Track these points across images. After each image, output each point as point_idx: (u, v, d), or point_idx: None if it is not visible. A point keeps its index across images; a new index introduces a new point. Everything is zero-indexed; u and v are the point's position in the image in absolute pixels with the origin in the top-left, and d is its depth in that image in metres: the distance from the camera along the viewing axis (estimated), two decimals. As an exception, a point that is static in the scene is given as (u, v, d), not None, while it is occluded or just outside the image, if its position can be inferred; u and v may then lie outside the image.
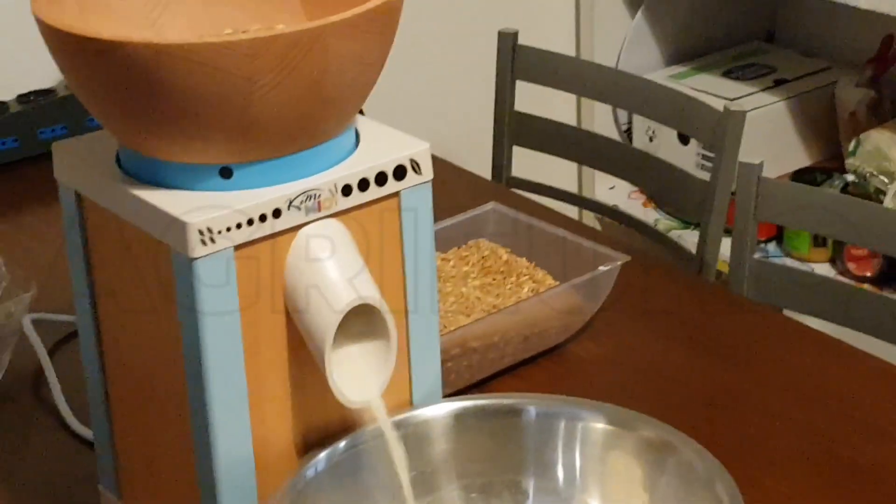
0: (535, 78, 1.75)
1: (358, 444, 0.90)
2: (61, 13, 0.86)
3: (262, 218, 0.85)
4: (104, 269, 0.93)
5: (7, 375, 1.18)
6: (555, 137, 1.77)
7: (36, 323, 1.24)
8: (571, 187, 2.14)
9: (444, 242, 1.28)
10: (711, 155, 1.57)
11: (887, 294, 1.90)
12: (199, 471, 0.89)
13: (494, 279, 1.23)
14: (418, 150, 0.90)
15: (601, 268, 1.19)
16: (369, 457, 0.90)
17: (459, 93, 2.07)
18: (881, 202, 1.88)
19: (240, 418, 0.87)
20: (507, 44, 1.76)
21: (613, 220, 1.87)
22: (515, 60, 1.75)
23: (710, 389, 1.16)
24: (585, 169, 2.17)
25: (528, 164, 1.81)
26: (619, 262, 1.20)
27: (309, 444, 0.91)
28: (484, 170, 2.06)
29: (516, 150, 1.79)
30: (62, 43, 0.83)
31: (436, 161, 1.55)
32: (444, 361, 1.11)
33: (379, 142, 0.91)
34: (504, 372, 1.17)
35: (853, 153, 1.95)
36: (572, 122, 2.16)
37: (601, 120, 2.18)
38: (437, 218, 1.29)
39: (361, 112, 0.95)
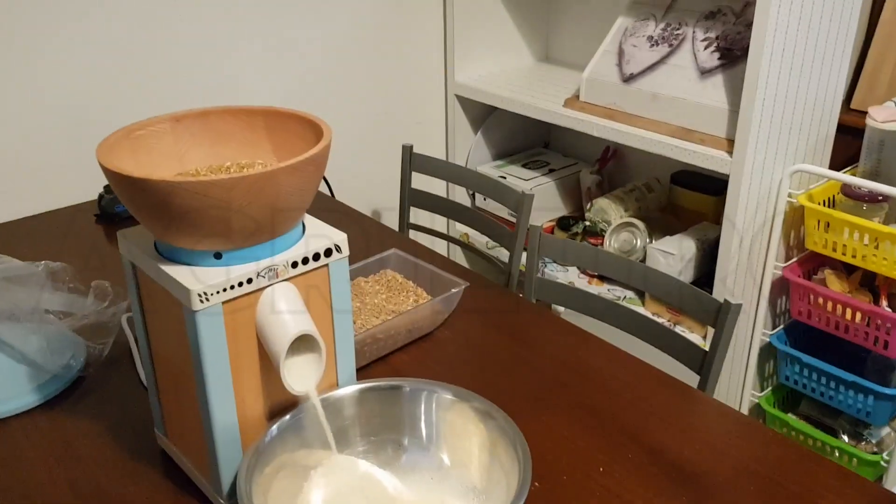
0: (421, 170, 1.58)
1: (299, 415, 0.73)
2: (118, 156, 0.68)
3: (240, 284, 0.67)
4: (149, 308, 0.75)
5: (112, 350, 0.99)
6: (434, 203, 1.61)
7: (129, 320, 1.05)
8: (442, 229, 1.97)
9: (365, 271, 1.11)
10: (515, 215, 1.41)
11: (601, 294, 1.77)
12: (205, 431, 0.71)
13: (393, 294, 1.07)
14: (340, 238, 0.74)
15: (453, 290, 1.03)
16: (307, 421, 0.73)
17: (384, 177, 1.90)
18: (603, 236, 1.75)
19: (228, 401, 0.70)
20: (407, 151, 1.59)
21: (465, 247, 1.70)
22: (412, 160, 1.59)
23: (510, 358, 1.01)
24: (451, 221, 2.00)
25: (419, 216, 1.65)
26: (462, 287, 1.04)
27: (273, 414, 0.74)
28: (394, 219, 1.92)
29: (413, 209, 1.62)
30: (112, 177, 0.65)
31: (366, 219, 1.39)
32: (361, 347, 0.95)
33: (316, 233, 0.74)
34: (397, 350, 1.00)
35: (589, 210, 1.82)
36: (443, 194, 2.00)
37: (460, 193, 2.02)
38: (364, 255, 1.13)
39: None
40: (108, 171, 0.64)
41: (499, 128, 2.05)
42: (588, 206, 1.82)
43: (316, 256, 0.72)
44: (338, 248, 0.73)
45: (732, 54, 1.50)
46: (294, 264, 0.70)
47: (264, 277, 0.69)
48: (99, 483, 0.80)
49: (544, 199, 1.93)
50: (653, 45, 1.59)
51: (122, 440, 0.86)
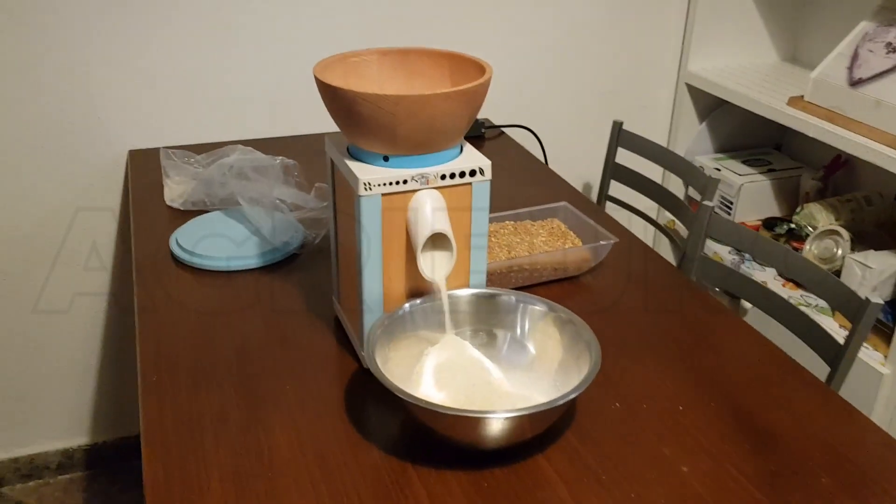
0: (625, 145, 1.68)
1: (429, 302, 0.92)
2: (330, 73, 0.90)
3: (397, 182, 0.86)
4: (339, 194, 0.97)
5: (323, 241, 1.24)
6: (635, 181, 1.70)
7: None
8: (652, 215, 2.03)
9: (535, 216, 1.26)
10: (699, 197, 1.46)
11: (792, 298, 1.73)
12: (358, 297, 0.92)
13: (553, 238, 1.20)
14: (485, 164, 0.90)
15: (601, 242, 1.15)
16: (434, 308, 0.91)
17: (593, 148, 2.00)
18: (804, 239, 1.71)
19: (376, 274, 0.90)
20: (617, 127, 1.69)
21: (667, 235, 1.76)
22: (619, 137, 1.69)
23: (639, 313, 1.10)
24: (661, 209, 2.06)
25: (618, 189, 1.74)
26: (611, 242, 1.15)
27: (410, 295, 0.93)
28: (595, 190, 2.01)
29: (612, 182, 1.72)
30: (319, 85, 0.87)
31: (563, 183, 1.51)
32: (509, 272, 1.11)
33: (469, 157, 0.91)
34: (541, 284, 1.15)
35: (797, 214, 1.79)
36: (658, 178, 2.05)
37: (675, 183, 2.07)
38: (540, 203, 1.28)
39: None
40: (317, 80, 0.86)
41: (726, 122, 2.06)
42: (798, 210, 1.79)
43: (462, 174, 0.89)
44: (481, 171, 0.89)
45: (979, 67, 1.41)
46: (443, 177, 0.88)
47: (417, 182, 0.87)
48: (285, 328, 1.05)
49: (756, 197, 1.92)
50: (889, 52, 1.53)
51: (311, 303, 1.10)
